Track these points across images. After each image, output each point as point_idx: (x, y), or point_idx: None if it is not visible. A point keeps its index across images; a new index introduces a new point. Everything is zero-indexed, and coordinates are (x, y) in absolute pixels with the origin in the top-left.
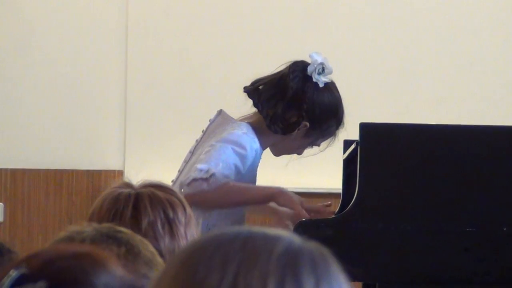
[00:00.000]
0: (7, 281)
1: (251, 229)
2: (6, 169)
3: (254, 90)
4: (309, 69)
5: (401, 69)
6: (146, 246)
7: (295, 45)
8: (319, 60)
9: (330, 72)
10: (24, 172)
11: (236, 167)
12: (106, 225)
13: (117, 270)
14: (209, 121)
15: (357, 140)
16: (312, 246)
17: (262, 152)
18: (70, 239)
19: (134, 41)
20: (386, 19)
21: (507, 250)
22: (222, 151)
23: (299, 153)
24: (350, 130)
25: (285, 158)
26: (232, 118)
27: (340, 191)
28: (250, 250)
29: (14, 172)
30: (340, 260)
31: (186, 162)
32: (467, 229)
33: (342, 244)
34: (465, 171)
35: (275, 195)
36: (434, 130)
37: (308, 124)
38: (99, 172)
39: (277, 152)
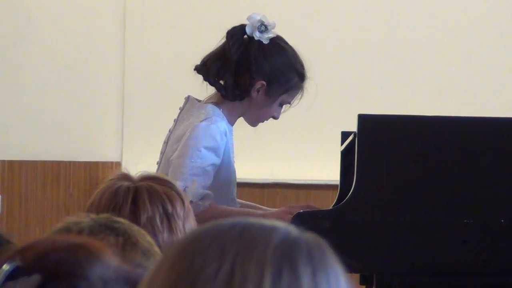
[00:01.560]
0: (1, 274)
1: (248, 220)
2: (3, 161)
3: (202, 66)
4: (247, 29)
5: (399, 61)
6: (144, 236)
7: (296, 37)
8: (257, 17)
9: (273, 27)
10: (21, 163)
11: (213, 165)
12: (103, 216)
13: (112, 261)
14: (179, 109)
15: (354, 131)
16: (309, 236)
17: (232, 129)
18: (67, 230)
19: (132, 33)
20: (384, 11)
21: (505, 242)
22: (195, 155)
23: (275, 116)
24: (348, 122)
25: (282, 146)
26: (198, 101)
27: (338, 183)
28: (247, 240)
29: (11, 163)
30: (337, 252)
31: (162, 153)
32: (465, 221)
33: (340, 236)
34: (462, 162)
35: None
36: (431, 122)
37: (264, 82)
38: (96, 164)
39: (251, 122)
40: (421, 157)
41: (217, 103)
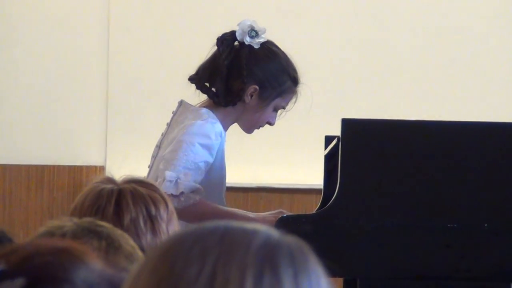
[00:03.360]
0: None
1: (229, 223)
2: None
3: (194, 76)
4: (238, 35)
5: (382, 65)
6: (127, 240)
7: (278, 41)
8: (247, 23)
9: (264, 32)
10: (5, 167)
11: (206, 163)
12: (86, 219)
13: (96, 264)
14: (172, 113)
15: (338, 136)
16: (290, 240)
17: (225, 135)
18: (50, 234)
19: (115, 36)
20: (368, 16)
21: (488, 247)
22: (189, 150)
23: (270, 122)
24: (331, 126)
25: (266, 150)
26: (192, 105)
27: (322, 187)
28: (229, 243)
29: None
30: (320, 256)
31: (154, 157)
32: (448, 225)
33: (323, 240)
34: (446, 167)
35: (251, 221)
36: (415, 126)
37: (257, 87)
38: (80, 168)
39: (246, 128)
40: (405, 161)
41: (210, 108)
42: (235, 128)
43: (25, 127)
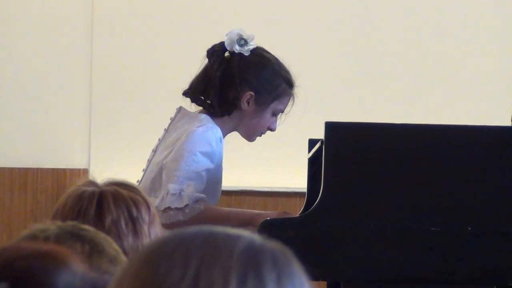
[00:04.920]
0: None
1: (213, 228)
2: None
3: (188, 90)
4: (227, 45)
5: (366, 69)
6: (110, 244)
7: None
8: (235, 32)
9: (252, 39)
10: None
11: (207, 170)
12: (69, 223)
13: (79, 268)
14: (170, 119)
15: (322, 139)
16: (273, 244)
17: (222, 141)
18: (33, 237)
19: (99, 39)
20: (352, 20)
21: (472, 250)
22: (191, 159)
23: (271, 128)
24: (315, 129)
25: (249, 153)
26: (193, 113)
27: (305, 190)
28: (212, 247)
29: None
30: (304, 259)
31: (150, 161)
32: (432, 228)
33: (307, 243)
34: (430, 170)
35: (253, 220)
36: (399, 129)
37: (252, 93)
38: (64, 171)
39: (247, 135)
40: (388, 164)
41: (209, 115)
42: None
43: (8, 130)
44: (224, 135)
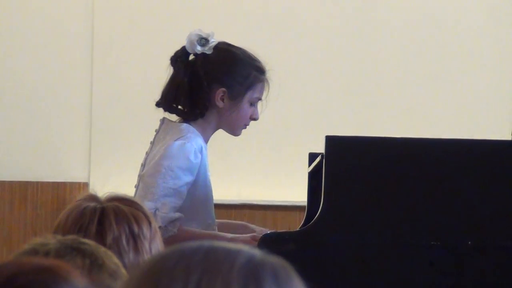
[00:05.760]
0: None
1: (213, 242)
2: None
3: (160, 100)
4: (188, 49)
5: (367, 82)
6: (111, 258)
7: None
8: (193, 33)
9: (212, 36)
10: None
11: (187, 184)
12: (70, 237)
13: (79, 283)
14: (155, 131)
15: (322, 153)
16: (273, 259)
17: (206, 148)
18: (34, 251)
19: (99, 53)
20: (352, 33)
21: (472, 264)
22: (168, 176)
23: (254, 117)
24: (315, 143)
25: (250, 166)
26: (173, 122)
27: (305, 204)
28: (213, 261)
29: None
30: (304, 273)
31: (140, 176)
32: (432, 243)
33: (307, 257)
34: (429, 184)
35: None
36: (399, 144)
37: (224, 88)
38: (64, 184)
39: (231, 130)
40: (389, 178)
41: (189, 122)
42: (218, 145)
43: (8, 143)
44: (208, 137)
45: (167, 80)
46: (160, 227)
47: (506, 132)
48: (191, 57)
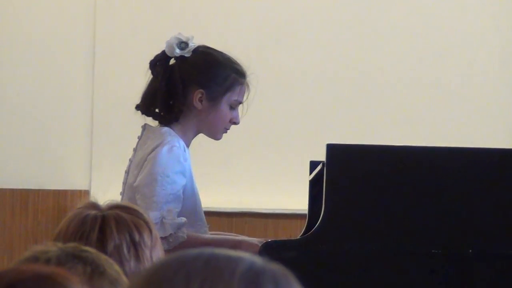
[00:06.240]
0: None
1: (214, 250)
2: None
3: (139, 104)
4: (168, 52)
5: (367, 91)
6: (111, 265)
7: (263, 66)
8: (173, 37)
9: (192, 39)
10: None
11: (183, 187)
12: (71, 245)
13: None
14: (137, 138)
15: (323, 161)
16: (274, 266)
17: (188, 151)
18: (35, 259)
19: (101, 60)
20: (353, 40)
21: (473, 272)
22: (165, 182)
23: (234, 121)
24: (316, 151)
25: (251, 175)
26: (154, 127)
27: (306, 212)
28: (213, 268)
29: None
30: (305, 281)
31: (124, 183)
32: (433, 251)
33: (308, 265)
34: (430, 192)
35: (236, 247)
36: (400, 152)
37: (202, 90)
38: (65, 192)
39: (211, 134)
40: (390, 187)
41: (170, 126)
42: (219, 153)
43: (10, 151)
44: (189, 141)
45: (146, 84)
46: (171, 234)
47: (507, 140)
48: (172, 61)
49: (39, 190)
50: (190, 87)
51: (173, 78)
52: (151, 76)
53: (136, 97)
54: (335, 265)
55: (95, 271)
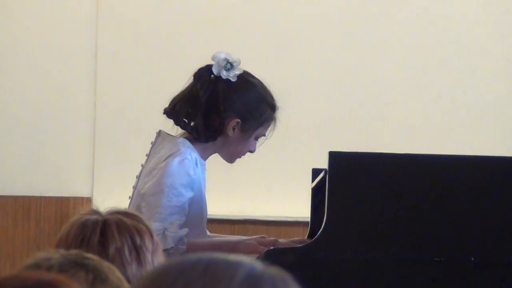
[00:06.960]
0: None
1: (213, 255)
2: None
3: (171, 110)
4: (214, 69)
5: (370, 98)
6: (113, 272)
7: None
8: (222, 56)
9: (239, 63)
10: None
11: (189, 200)
12: (73, 252)
13: None
14: (151, 143)
15: (325, 168)
16: (274, 271)
17: (204, 163)
18: (37, 266)
19: (103, 67)
20: (356, 47)
21: (475, 280)
22: (171, 194)
23: (251, 150)
24: (319, 159)
25: (253, 182)
26: (170, 135)
27: (308, 219)
28: (212, 275)
29: None
30: None
31: (134, 188)
32: (435, 259)
33: (310, 273)
34: (433, 200)
35: (235, 249)
36: (402, 160)
37: (239, 120)
38: (67, 199)
39: (229, 158)
40: (392, 194)
41: (189, 138)
42: (221, 160)
43: (12, 158)
44: (207, 156)
45: (183, 91)
46: (172, 247)
47: (510, 149)
48: (212, 76)
49: (41, 197)
50: (229, 112)
51: (215, 96)
52: (189, 85)
53: (138, 105)
54: (338, 272)
55: (97, 278)
